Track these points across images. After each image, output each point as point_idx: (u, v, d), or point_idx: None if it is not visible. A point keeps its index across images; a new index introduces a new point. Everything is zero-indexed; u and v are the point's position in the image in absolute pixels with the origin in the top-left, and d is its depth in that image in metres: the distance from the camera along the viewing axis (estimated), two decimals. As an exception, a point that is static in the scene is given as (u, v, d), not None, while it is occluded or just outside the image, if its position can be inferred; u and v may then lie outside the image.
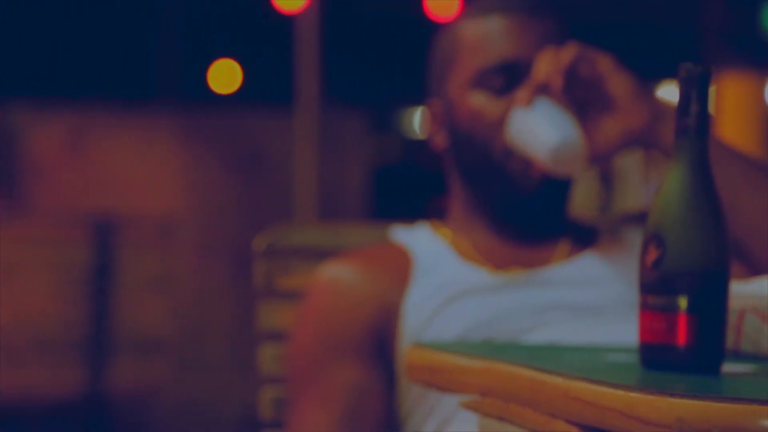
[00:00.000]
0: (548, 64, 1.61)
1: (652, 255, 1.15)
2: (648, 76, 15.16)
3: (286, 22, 6.79)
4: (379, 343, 1.68)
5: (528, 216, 1.72)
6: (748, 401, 0.92)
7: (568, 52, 1.61)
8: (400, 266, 1.72)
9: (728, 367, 1.17)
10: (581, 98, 1.63)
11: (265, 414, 1.80)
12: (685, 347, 1.13)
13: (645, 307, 1.15)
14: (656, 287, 1.14)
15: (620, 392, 0.97)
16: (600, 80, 1.61)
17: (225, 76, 12.08)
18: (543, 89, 1.62)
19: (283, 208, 6.44)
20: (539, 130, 1.62)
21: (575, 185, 1.77)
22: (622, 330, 1.50)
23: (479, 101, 1.70)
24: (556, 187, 1.71)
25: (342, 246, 1.84)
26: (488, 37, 1.71)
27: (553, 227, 1.75)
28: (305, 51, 6.19)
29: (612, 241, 1.76)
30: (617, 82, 1.61)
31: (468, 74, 1.71)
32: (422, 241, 1.75)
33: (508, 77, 1.69)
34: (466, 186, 1.76)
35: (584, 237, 1.76)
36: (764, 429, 0.91)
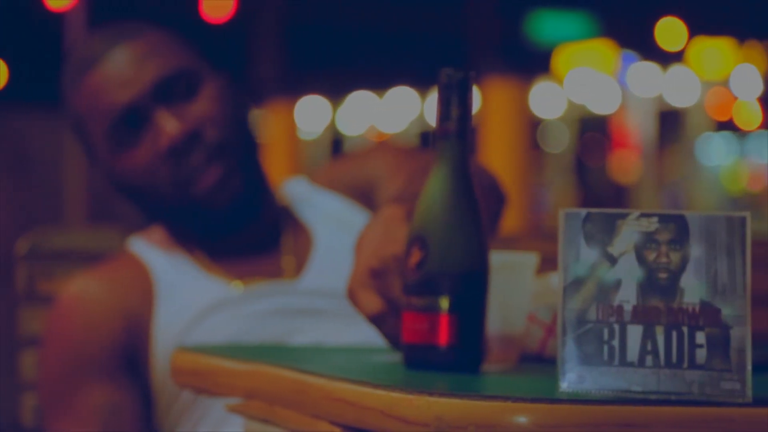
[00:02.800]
0: None
1: (415, 257, 1.17)
2: (416, 83, 15.41)
3: (55, 19, 6.63)
4: (129, 360, 1.66)
5: (228, 230, 1.71)
6: (504, 399, 0.94)
7: None
8: (141, 281, 1.69)
9: (489, 366, 1.20)
10: None
11: (27, 420, 1.76)
12: (447, 347, 1.15)
13: (408, 308, 1.17)
14: (419, 288, 1.16)
15: (380, 392, 0.99)
16: None
17: (-9, 74, 11.71)
18: None
19: (53, 211, 6.28)
20: None
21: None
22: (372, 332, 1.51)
23: (127, 161, 1.67)
24: (244, 199, 1.69)
25: (108, 250, 1.80)
26: (92, 98, 1.68)
27: (270, 237, 1.75)
28: (74, 50, 6.07)
29: (334, 241, 1.76)
30: None
31: (103, 143, 1.68)
32: (158, 254, 1.73)
33: (130, 124, 1.67)
34: (164, 224, 1.75)
35: (309, 242, 1.77)
36: (519, 425, 0.93)
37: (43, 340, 1.69)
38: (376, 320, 1.24)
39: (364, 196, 1.79)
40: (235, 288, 1.69)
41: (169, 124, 1.65)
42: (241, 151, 1.69)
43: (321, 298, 1.68)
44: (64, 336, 1.66)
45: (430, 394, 0.96)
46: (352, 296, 1.26)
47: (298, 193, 1.82)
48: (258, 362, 1.21)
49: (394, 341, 1.23)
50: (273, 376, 1.16)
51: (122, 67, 1.67)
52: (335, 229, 1.76)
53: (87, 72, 1.68)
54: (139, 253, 1.73)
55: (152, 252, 1.73)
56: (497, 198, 1.65)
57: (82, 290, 1.68)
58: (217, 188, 1.66)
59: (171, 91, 1.67)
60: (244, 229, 1.72)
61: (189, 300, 1.67)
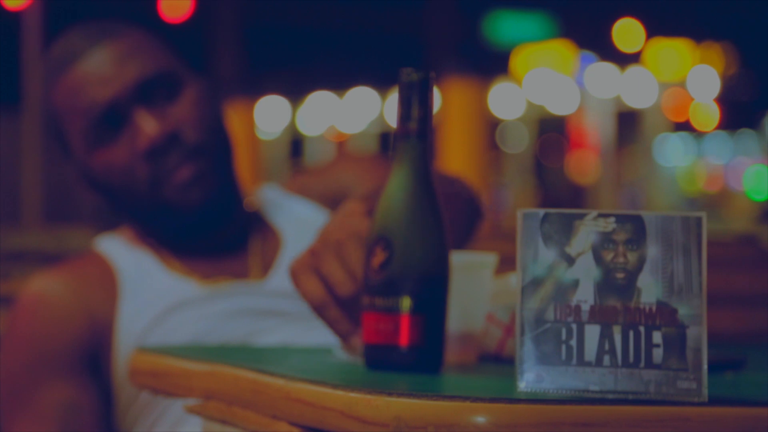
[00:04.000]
0: None
1: (378, 257, 1.17)
2: (376, 83, 15.42)
3: (12, 19, 6.59)
4: (90, 359, 1.65)
5: (198, 230, 1.71)
6: (462, 398, 0.95)
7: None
8: (105, 280, 1.69)
9: (447, 366, 1.21)
10: None
11: (-17, 424, 1.74)
12: (408, 347, 1.15)
13: (370, 309, 1.17)
14: (381, 289, 1.16)
15: (340, 392, 0.99)
16: None
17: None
18: None
19: (9, 211, 6.24)
20: None
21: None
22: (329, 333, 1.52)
23: (104, 159, 1.67)
24: (216, 200, 1.70)
25: (64, 250, 1.80)
26: (72, 95, 1.67)
27: (239, 239, 1.75)
28: (31, 49, 6.02)
29: (302, 244, 1.76)
30: None
31: (80, 140, 1.68)
32: (125, 252, 1.72)
33: (110, 122, 1.67)
34: (135, 222, 1.74)
35: (277, 244, 1.77)
36: (478, 425, 0.93)
37: (4, 338, 1.68)
38: (318, 308, 1.25)
39: (335, 204, 1.80)
40: (199, 287, 1.69)
41: (148, 125, 1.65)
42: (217, 154, 1.70)
43: (286, 300, 1.68)
44: (26, 333, 1.66)
45: (389, 394, 0.96)
46: (293, 276, 1.27)
47: (270, 197, 1.83)
48: (216, 363, 1.21)
49: (335, 329, 1.24)
50: (231, 376, 1.16)
51: (104, 66, 1.67)
52: (304, 233, 1.76)
53: (67, 69, 1.68)
54: (105, 251, 1.73)
55: (119, 251, 1.72)
56: (475, 211, 1.66)
57: (44, 288, 1.67)
58: (189, 186, 1.66)
59: (152, 92, 1.67)
60: (214, 230, 1.72)
61: (153, 298, 1.66)
